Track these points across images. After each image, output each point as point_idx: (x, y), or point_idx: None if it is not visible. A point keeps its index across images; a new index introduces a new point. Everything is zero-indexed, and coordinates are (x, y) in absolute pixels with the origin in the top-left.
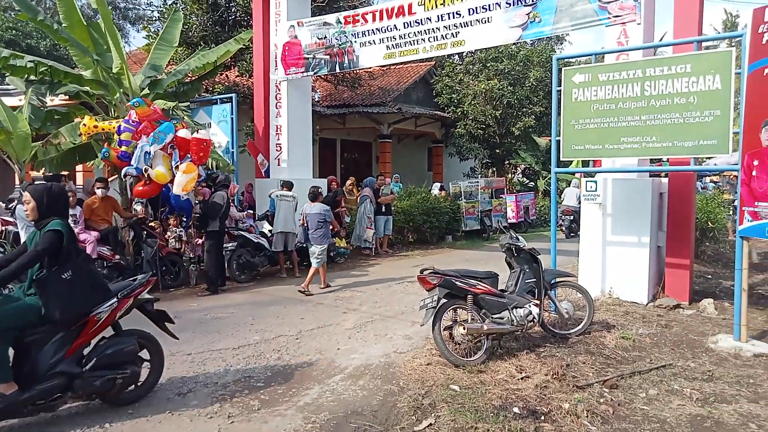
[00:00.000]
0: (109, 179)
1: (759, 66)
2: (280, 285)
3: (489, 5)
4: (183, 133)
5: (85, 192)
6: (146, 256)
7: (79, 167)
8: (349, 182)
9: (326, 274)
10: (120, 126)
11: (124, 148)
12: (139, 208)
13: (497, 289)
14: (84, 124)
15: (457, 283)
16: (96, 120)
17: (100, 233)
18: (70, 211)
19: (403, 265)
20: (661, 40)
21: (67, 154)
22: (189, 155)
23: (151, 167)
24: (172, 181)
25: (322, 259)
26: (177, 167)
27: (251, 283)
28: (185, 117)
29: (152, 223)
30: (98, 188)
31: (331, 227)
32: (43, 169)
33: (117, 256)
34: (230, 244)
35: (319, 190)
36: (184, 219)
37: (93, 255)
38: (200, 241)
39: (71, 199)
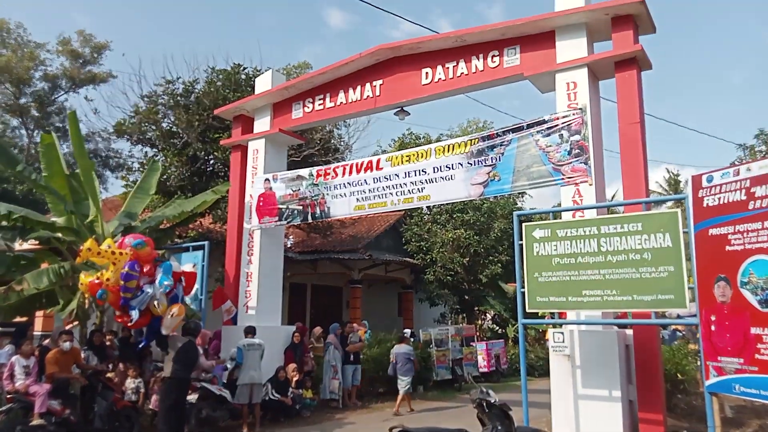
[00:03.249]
0: (71, 326)
1: (703, 227)
2: None
3: (452, 164)
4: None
5: (52, 340)
6: (99, 410)
7: (39, 312)
8: (317, 330)
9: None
10: (127, 273)
11: (126, 294)
12: (94, 362)
13: None
14: (89, 249)
15: None
16: (99, 248)
17: (53, 385)
18: (23, 362)
19: (373, 419)
20: (613, 197)
21: (28, 300)
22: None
23: (156, 305)
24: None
25: (409, 387)
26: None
27: None
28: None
29: (109, 374)
30: (64, 341)
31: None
32: None
33: (67, 411)
34: (191, 397)
35: (407, 334)
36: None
37: (42, 409)
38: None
39: (28, 348)
